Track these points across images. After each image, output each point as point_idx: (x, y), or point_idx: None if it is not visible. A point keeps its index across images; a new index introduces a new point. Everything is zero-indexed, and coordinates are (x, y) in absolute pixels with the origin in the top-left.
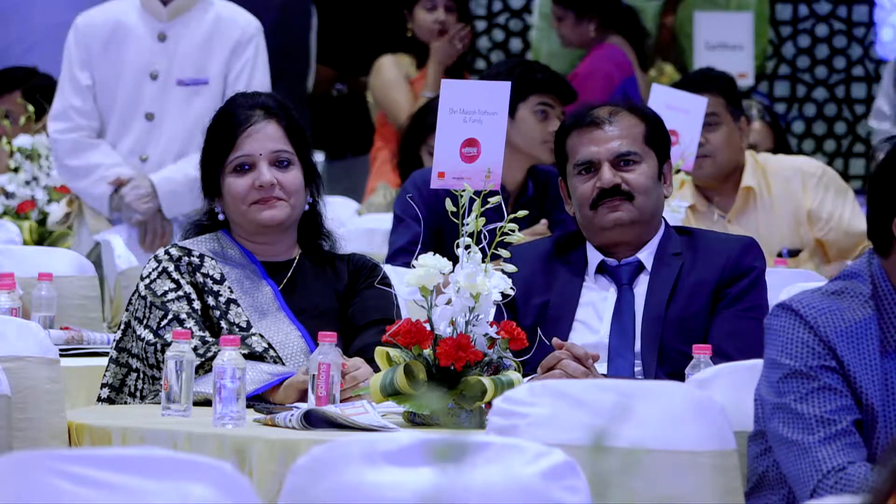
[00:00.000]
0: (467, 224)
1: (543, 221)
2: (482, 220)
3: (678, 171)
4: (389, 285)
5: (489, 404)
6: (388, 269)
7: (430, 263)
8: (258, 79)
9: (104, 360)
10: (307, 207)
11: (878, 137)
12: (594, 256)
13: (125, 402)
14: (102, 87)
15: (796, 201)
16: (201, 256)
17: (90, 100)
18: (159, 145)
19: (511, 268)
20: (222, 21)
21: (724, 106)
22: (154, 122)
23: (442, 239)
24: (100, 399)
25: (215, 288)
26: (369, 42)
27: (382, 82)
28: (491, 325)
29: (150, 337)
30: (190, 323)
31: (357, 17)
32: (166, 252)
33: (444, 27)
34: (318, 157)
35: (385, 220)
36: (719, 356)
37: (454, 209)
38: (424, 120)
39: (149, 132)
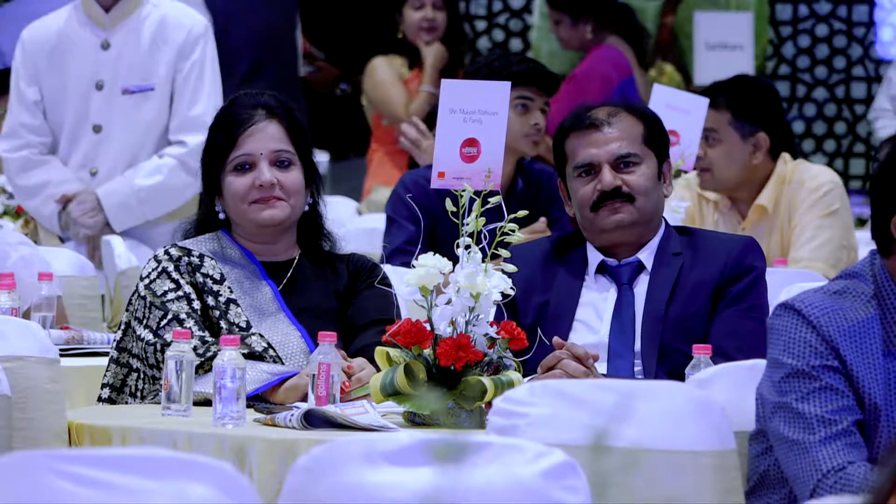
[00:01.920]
0: (467, 224)
1: (542, 219)
2: (482, 220)
3: (678, 173)
4: (389, 285)
5: (489, 404)
6: (388, 269)
7: (430, 263)
8: (207, 80)
9: (104, 360)
10: (307, 208)
11: (878, 122)
12: (594, 256)
13: (126, 402)
14: (51, 101)
15: (793, 218)
16: (201, 256)
17: (40, 115)
18: (108, 158)
19: (511, 268)
20: (167, 23)
21: (729, 122)
22: (102, 134)
23: (435, 239)
24: (100, 399)
25: (215, 288)
26: (372, 42)
27: (375, 82)
28: (491, 325)
29: (150, 337)
30: (190, 323)
31: (360, 16)
32: (166, 252)
33: (433, 24)
34: (322, 158)
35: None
36: (719, 356)
37: (454, 209)
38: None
39: (97, 144)
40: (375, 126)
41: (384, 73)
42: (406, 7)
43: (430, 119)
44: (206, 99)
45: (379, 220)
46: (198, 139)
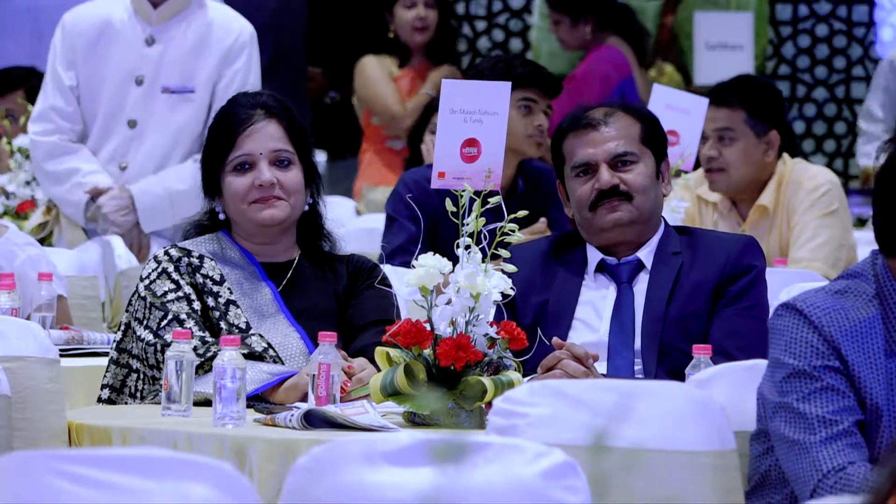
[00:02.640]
0: (467, 224)
1: (543, 220)
2: (482, 220)
3: (678, 173)
4: (389, 286)
5: (489, 404)
6: (388, 269)
7: (430, 263)
8: (249, 87)
9: (104, 360)
10: (307, 208)
11: (866, 138)
12: (594, 255)
13: (125, 403)
14: (86, 89)
15: (792, 218)
16: (201, 257)
17: (73, 102)
18: (140, 154)
19: (511, 268)
20: (215, 27)
21: (745, 120)
22: (136, 130)
23: (436, 239)
24: (100, 400)
25: (215, 289)
26: (361, 47)
27: (366, 79)
28: (491, 325)
29: (150, 337)
30: (190, 323)
31: (351, 24)
32: (166, 253)
33: (426, 23)
34: (320, 157)
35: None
36: (719, 355)
37: (454, 209)
38: (430, 105)
39: (130, 140)
40: (366, 125)
41: (374, 70)
42: (397, 6)
43: (425, 118)
44: None
45: (377, 221)
46: None
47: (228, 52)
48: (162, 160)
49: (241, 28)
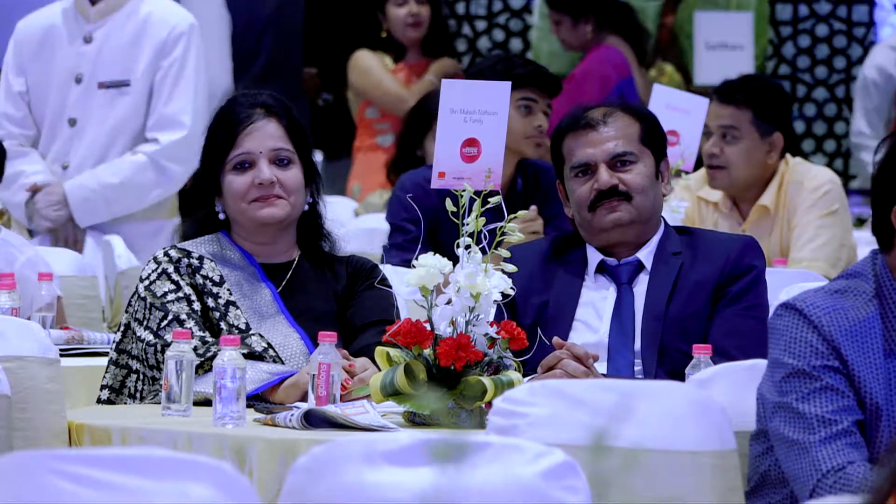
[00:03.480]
0: (467, 224)
1: (533, 207)
2: (482, 220)
3: (678, 173)
4: (388, 286)
5: (489, 404)
6: (388, 270)
7: (430, 263)
8: (187, 78)
9: (104, 360)
10: (307, 207)
11: (866, 151)
12: (594, 256)
13: (125, 404)
14: (35, 93)
15: (792, 218)
16: (200, 258)
17: (24, 107)
18: (80, 152)
19: (511, 267)
20: (151, 20)
21: (751, 121)
22: (76, 128)
23: (437, 240)
24: (99, 400)
25: (214, 290)
26: (353, 49)
27: (363, 69)
28: (491, 325)
29: (150, 338)
30: (190, 324)
31: (344, 24)
32: (166, 253)
33: (418, 19)
34: (317, 157)
35: (383, 220)
36: (719, 355)
37: (454, 209)
38: (427, 106)
39: (71, 139)
40: (359, 120)
41: (370, 59)
42: (389, 4)
43: (419, 122)
44: (185, 97)
45: (377, 221)
46: (173, 137)
47: (164, 44)
48: (101, 156)
49: (178, 19)
